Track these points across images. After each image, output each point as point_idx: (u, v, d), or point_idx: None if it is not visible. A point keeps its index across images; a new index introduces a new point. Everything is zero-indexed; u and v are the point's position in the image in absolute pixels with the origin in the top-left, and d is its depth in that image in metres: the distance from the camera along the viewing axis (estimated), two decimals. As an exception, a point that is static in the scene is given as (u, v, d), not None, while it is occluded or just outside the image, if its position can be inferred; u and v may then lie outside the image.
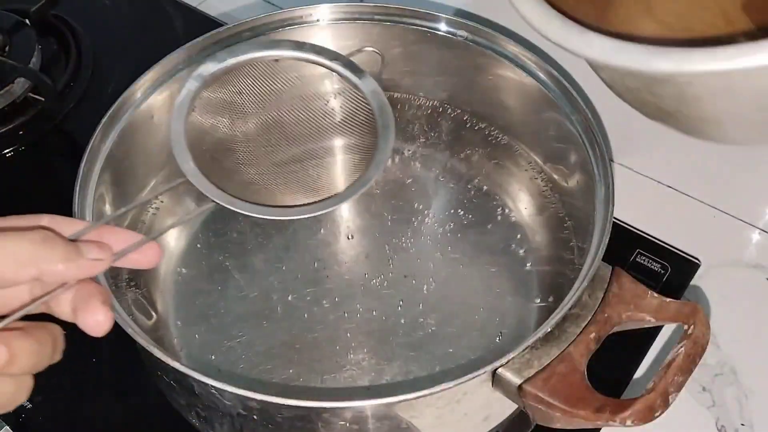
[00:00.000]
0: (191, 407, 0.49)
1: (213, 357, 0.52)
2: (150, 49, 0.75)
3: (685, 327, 0.44)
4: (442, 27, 0.59)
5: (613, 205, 0.48)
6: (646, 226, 0.61)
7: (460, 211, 0.59)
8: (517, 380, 0.42)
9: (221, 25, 0.58)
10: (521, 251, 0.57)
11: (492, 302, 0.54)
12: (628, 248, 0.59)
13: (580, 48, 0.42)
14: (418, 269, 0.56)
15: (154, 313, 0.54)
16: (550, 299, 0.54)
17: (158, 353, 0.42)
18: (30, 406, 0.52)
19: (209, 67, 0.46)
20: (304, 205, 0.44)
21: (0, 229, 0.32)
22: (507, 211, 0.59)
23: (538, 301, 0.54)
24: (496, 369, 0.43)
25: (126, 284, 0.54)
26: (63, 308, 0.34)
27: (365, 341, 0.53)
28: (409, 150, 0.63)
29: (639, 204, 0.62)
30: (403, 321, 0.54)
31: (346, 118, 0.49)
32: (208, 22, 0.78)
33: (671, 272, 0.58)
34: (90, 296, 0.33)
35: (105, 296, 0.34)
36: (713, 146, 0.64)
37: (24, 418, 0.52)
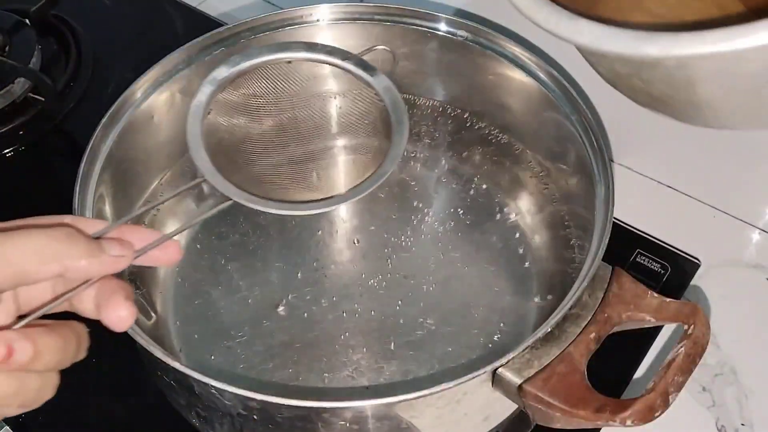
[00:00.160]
0: (191, 407, 0.49)
1: (213, 357, 0.53)
2: (150, 49, 0.75)
3: (685, 327, 0.44)
4: (442, 27, 0.59)
5: (613, 205, 0.48)
6: (646, 226, 0.61)
7: (459, 210, 0.59)
8: (517, 380, 0.42)
9: (221, 25, 0.58)
10: (521, 250, 0.57)
11: (491, 301, 0.54)
12: (628, 248, 0.59)
13: (570, 34, 0.42)
14: (418, 269, 0.56)
15: (153, 313, 0.54)
16: (550, 298, 0.54)
17: (158, 353, 0.42)
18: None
19: (223, 71, 0.46)
20: (322, 199, 0.44)
21: (23, 227, 0.32)
22: (506, 210, 0.59)
23: (538, 300, 0.54)
24: (496, 369, 0.43)
25: (126, 284, 0.54)
26: (86, 305, 0.34)
27: (364, 341, 0.53)
28: (409, 149, 0.63)
29: (639, 204, 0.62)
30: (402, 321, 0.54)
31: (360, 116, 0.49)
32: (208, 22, 0.78)
33: (671, 272, 0.58)
34: (112, 292, 0.34)
35: (128, 292, 0.34)
36: (713, 146, 0.64)
37: (24, 418, 0.52)
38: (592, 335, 0.44)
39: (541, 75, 0.56)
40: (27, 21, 0.73)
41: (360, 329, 0.54)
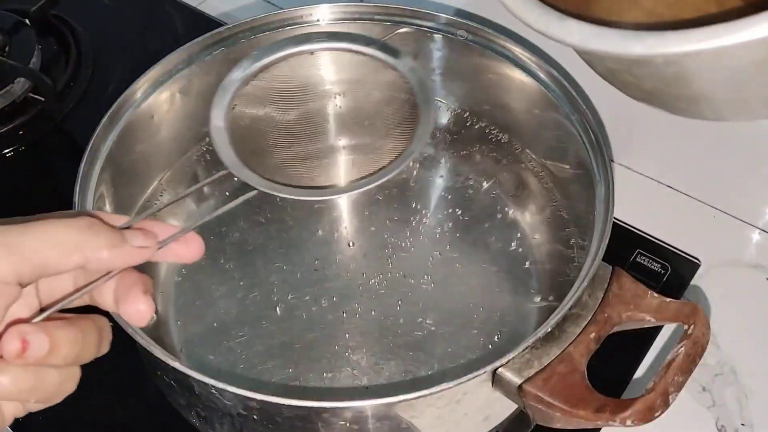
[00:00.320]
0: (191, 407, 0.49)
1: (213, 357, 0.52)
2: (150, 49, 0.75)
3: (685, 327, 0.44)
4: (442, 27, 0.59)
5: (613, 205, 0.48)
6: (646, 226, 0.61)
7: (459, 210, 0.59)
8: (517, 380, 0.42)
9: (221, 25, 0.58)
10: (521, 250, 0.57)
11: (491, 301, 0.54)
12: (628, 248, 0.59)
13: (560, 34, 0.43)
14: (418, 269, 0.56)
15: (154, 314, 0.54)
16: (550, 298, 0.54)
17: (158, 353, 0.42)
18: (30, 406, 0.52)
19: (246, 65, 0.47)
20: (354, 181, 0.44)
21: (45, 218, 0.32)
22: (506, 210, 0.59)
23: (538, 300, 0.54)
24: (496, 369, 0.43)
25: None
26: (105, 298, 0.33)
27: (364, 341, 0.53)
28: (409, 150, 0.63)
29: (639, 204, 0.62)
30: (402, 320, 0.54)
31: (385, 100, 0.49)
32: (208, 22, 0.78)
33: (671, 272, 0.58)
34: (132, 285, 0.33)
35: (147, 285, 0.33)
36: (713, 146, 0.64)
37: (24, 418, 0.52)
38: (592, 335, 0.44)
39: (541, 75, 0.56)
40: (27, 21, 0.73)
41: (360, 329, 0.54)
